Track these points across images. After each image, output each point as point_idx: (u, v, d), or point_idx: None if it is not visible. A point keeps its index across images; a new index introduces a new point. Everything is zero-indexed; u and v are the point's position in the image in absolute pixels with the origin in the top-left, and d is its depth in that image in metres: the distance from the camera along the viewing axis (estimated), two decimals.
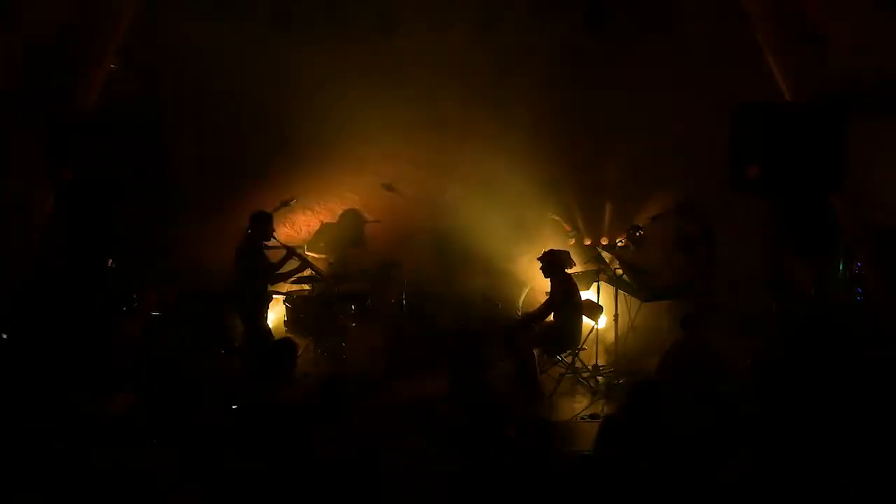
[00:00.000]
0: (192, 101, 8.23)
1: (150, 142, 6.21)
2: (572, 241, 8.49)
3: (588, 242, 8.64)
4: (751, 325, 7.13)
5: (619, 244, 7.67)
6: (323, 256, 8.29)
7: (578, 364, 7.26)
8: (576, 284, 7.15)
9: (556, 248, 7.32)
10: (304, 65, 8.39)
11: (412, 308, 8.24)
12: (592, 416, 6.34)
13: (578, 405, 6.68)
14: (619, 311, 7.58)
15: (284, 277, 7.28)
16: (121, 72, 6.96)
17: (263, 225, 6.97)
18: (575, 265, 7.32)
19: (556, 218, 8.67)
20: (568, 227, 8.64)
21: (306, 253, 7.88)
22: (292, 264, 7.24)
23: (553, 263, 7.07)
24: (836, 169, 5.82)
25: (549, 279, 7.17)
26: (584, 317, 7.22)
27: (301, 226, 8.89)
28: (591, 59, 8.55)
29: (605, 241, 8.47)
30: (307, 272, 7.62)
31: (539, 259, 7.16)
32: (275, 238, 7.16)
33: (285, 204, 8.05)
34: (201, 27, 7.76)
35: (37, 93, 6.19)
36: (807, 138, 5.81)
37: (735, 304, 7.49)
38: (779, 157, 5.86)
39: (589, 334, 7.33)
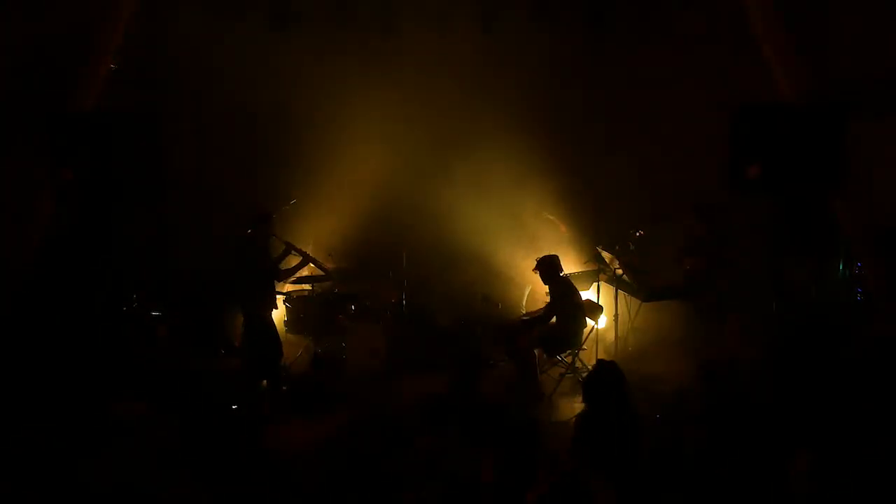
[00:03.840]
0: (191, 101, 8.23)
1: (150, 142, 6.20)
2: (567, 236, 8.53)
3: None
4: (751, 324, 7.13)
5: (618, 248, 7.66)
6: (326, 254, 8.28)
7: (578, 364, 7.26)
8: (573, 286, 7.14)
9: (551, 249, 7.32)
10: (303, 65, 8.41)
11: (412, 308, 8.25)
12: None
13: (578, 405, 6.67)
14: (619, 311, 7.58)
15: (289, 274, 7.28)
16: (121, 72, 6.96)
17: (266, 223, 6.97)
18: (562, 270, 7.30)
19: (552, 218, 8.68)
20: (563, 229, 8.64)
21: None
22: (294, 260, 7.24)
23: (546, 269, 7.07)
24: (836, 169, 5.81)
25: (547, 284, 7.18)
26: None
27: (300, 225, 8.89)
28: (591, 59, 8.56)
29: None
30: (312, 270, 7.63)
31: (534, 270, 7.16)
32: (276, 236, 7.16)
33: (286, 204, 8.07)
34: (201, 27, 7.77)
35: (37, 93, 6.19)
36: (807, 138, 5.80)
37: (735, 303, 7.49)
38: (779, 157, 5.85)
39: (589, 334, 7.33)
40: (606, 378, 4.49)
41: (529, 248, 8.35)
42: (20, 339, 6.37)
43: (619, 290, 7.56)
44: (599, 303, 7.56)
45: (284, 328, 8.08)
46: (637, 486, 4.08)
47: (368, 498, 4.18)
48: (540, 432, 4.40)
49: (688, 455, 4.39)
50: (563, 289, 7.05)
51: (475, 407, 5.15)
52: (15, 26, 6.03)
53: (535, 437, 4.33)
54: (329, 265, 7.93)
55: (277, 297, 7.73)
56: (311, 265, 7.61)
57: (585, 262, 8.06)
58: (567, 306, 7.02)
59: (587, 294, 7.68)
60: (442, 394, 5.57)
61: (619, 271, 7.43)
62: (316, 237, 8.65)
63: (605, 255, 7.51)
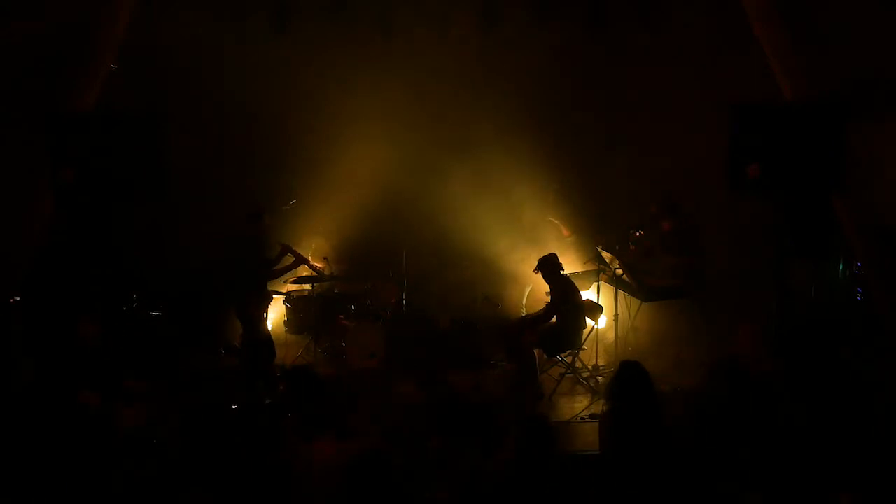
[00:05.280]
0: (192, 100, 8.23)
1: (151, 141, 6.20)
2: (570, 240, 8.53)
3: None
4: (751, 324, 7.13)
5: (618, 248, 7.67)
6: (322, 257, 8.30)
7: (578, 364, 7.26)
8: (574, 285, 7.14)
9: (552, 251, 7.32)
10: (303, 64, 8.42)
11: (412, 308, 8.26)
12: (592, 416, 6.33)
13: (578, 405, 6.67)
14: (619, 311, 7.58)
15: (280, 274, 7.29)
16: (121, 71, 6.96)
17: (258, 222, 6.98)
18: (563, 268, 7.30)
19: (555, 221, 8.67)
20: (566, 232, 8.63)
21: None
22: (287, 260, 7.25)
23: (548, 267, 7.07)
24: (836, 169, 5.82)
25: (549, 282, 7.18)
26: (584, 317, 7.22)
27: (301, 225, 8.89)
28: (591, 59, 8.57)
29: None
30: (306, 270, 7.65)
31: (535, 271, 7.15)
32: (271, 237, 7.18)
33: (286, 204, 8.08)
34: (201, 27, 7.77)
35: (37, 92, 6.19)
36: (807, 138, 5.81)
37: (735, 303, 7.50)
38: (778, 157, 5.86)
39: (589, 334, 7.33)
40: (634, 379, 4.46)
41: (529, 248, 8.35)
42: (20, 338, 6.37)
43: (619, 290, 7.56)
44: (599, 303, 7.56)
45: (284, 328, 8.09)
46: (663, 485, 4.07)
47: (381, 498, 4.16)
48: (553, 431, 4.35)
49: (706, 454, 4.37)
50: (563, 287, 7.04)
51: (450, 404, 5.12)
52: (15, 26, 6.03)
53: (550, 435, 4.29)
54: (323, 266, 7.97)
55: (277, 297, 7.76)
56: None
57: (585, 262, 8.06)
58: (567, 306, 7.02)
59: (587, 294, 7.68)
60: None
61: (619, 271, 7.44)
62: (316, 237, 8.67)
63: (605, 255, 7.51)
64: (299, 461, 4.22)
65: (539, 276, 7.19)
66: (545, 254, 7.18)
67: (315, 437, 4.29)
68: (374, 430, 4.70)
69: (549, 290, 7.23)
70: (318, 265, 7.89)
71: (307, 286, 8.08)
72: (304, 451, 4.23)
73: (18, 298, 6.44)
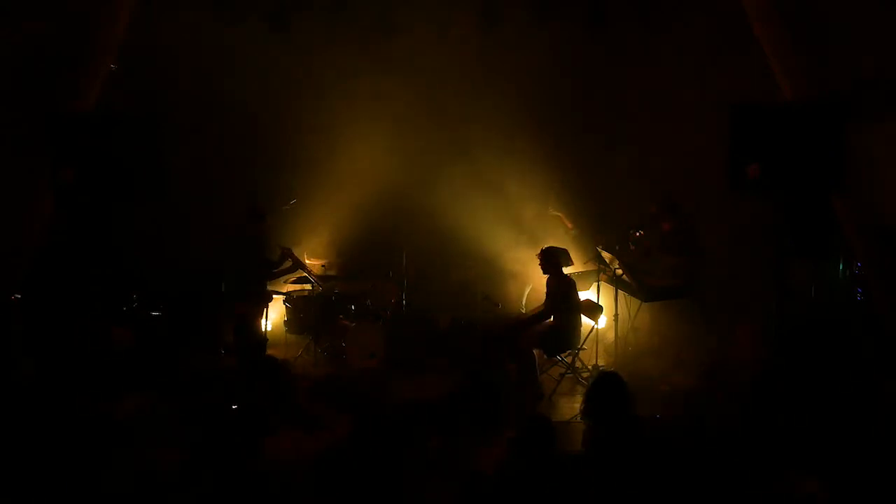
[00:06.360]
0: (192, 100, 8.24)
1: (151, 141, 6.21)
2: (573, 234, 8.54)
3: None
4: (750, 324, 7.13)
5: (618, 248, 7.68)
6: (320, 264, 8.32)
7: (578, 364, 7.26)
8: (574, 284, 7.13)
9: (556, 245, 7.31)
10: (303, 64, 8.43)
11: (412, 308, 8.26)
12: None
13: (578, 405, 6.65)
14: (619, 311, 7.58)
15: (278, 276, 7.33)
16: (121, 71, 6.97)
17: (262, 222, 6.99)
18: (573, 264, 7.30)
19: (558, 214, 8.67)
20: (570, 225, 8.64)
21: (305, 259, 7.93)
22: (286, 264, 7.27)
23: (551, 260, 7.05)
24: (836, 169, 5.81)
25: (546, 276, 7.17)
26: (583, 317, 7.21)
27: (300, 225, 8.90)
28: (591, 59, 8.57)
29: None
30: (300, 273, 7.68)
31: (538, 255, 7.15)
32: (273, 240, 7.20)
33: (286, 204, 8.10)
34: (201, 27, 7.77)
35: (37, 92, 6.19)
36: (807, 138, 5.80)
37: (735, 303, 7.50)
38: (778, 157, 5.85)
39: (589, 334, 7.33)
40: (610, 391, 4.48)
41: (530, 247, 8.35)
42: (20, 338, 6.37)
43: (619, 290, 7.56)
44: (599, 303, 7.56)
45: (284, 328, 8.09)
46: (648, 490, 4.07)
47: (382, 499, 4.16)
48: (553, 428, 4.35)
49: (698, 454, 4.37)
50: (563, 286, 7.02)
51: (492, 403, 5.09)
52: (15, 26, 6.03)
53: (551, 435, 4.29)
54: (319, 270, 7.99)
55: (277, 297, 7.77)
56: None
57: (585, 262, 8.06)
58: (567, 305, 7.01)
59: (587, 294, 7.68)
60: (454, 393, 5.51)
61: (619, 271, 7.44)
62: (316, 238, 8.68)
63: (605, 255, 7.52)
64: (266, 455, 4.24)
65: (539, 270, 7.18)
66: (551, 245, 7.17)
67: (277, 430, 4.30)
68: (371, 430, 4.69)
69: (546, 285, 7.22)
70: (316, 272, 7.91)
71: (307, 286, 8.09)
72: (267, 445, 4.25)
73: (19, 297, 6.44)
